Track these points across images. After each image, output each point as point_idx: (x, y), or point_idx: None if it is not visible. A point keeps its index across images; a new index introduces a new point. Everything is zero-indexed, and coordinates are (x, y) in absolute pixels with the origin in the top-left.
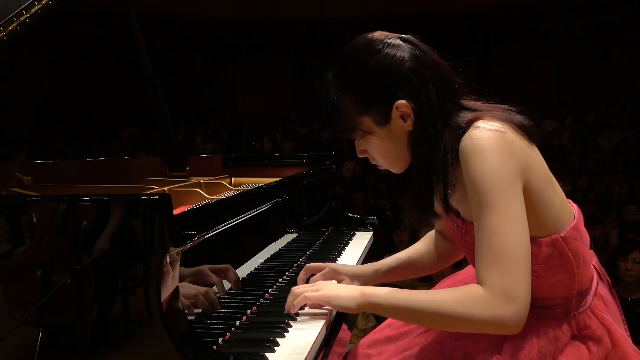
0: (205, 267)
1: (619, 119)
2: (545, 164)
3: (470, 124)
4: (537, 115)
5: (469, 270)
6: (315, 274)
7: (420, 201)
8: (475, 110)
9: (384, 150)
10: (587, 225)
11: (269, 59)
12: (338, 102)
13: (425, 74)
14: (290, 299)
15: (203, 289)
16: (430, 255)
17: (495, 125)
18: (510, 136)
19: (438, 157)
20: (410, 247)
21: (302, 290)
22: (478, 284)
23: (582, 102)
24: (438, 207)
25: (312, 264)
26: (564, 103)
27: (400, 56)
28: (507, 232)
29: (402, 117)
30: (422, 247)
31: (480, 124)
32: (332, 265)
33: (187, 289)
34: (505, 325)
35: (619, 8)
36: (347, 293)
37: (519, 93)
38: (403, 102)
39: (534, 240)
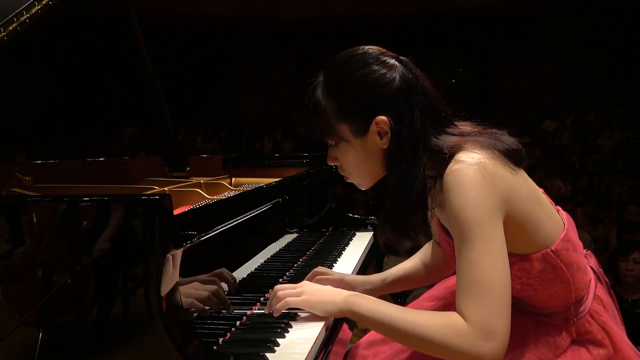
0: (200, 277)
1: (619, 119)
2: (531, 184)
3: (452, 151)
4: (537, 115)
5: None
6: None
7: (393, 220)
8: (462, 137)
9: (354, 161)
10: (587, 225)
11: (269, 59)
12: (321, 103)
13: (412, 98)
14: (273, 301)
15: (213, 288)
16: (431, 264)
17: (475, 157)
18: (490, 167)
19: (415, 179)
20: (412, 256)
21: (285, 294)
22: (457, 312)
23: (582, 102)
24: (434, 228)
25: (322, 269)
26: (564, 103)
27: (391, 75)
28: (487, 266)
29: (379, 134)
30: (423, 256)
31: (462, 156)
32: (340, 275)
33: (200, 290)
34: None
35: (618, 8)
36: (330, 297)
37: (519, 93)
38: (383, 118)
39: (524, 256)
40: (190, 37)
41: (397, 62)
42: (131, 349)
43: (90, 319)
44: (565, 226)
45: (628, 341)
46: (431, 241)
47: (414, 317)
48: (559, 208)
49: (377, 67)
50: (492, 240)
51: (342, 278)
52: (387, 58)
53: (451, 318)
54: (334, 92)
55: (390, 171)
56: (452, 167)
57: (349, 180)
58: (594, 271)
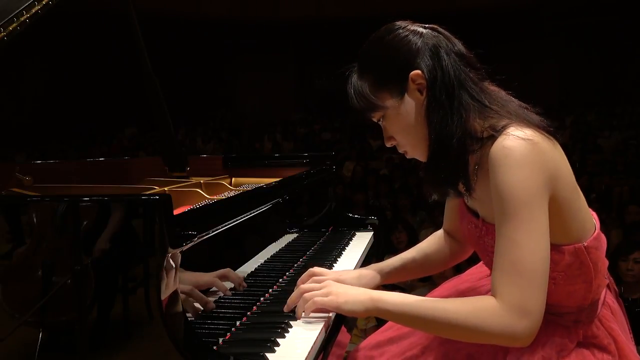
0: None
1: (619, 119)
2: (571, 171)
3: (496, 115)
4: None
5: (472, 272)
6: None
7: (434, 170)
8: (495, 99)
9: (403, 127)
10: None
11: (269, 59)
12: (358, 83)
13: (441, 50)
14: (300, 302)
15: (187, 288)
16: (434, 255)
17: (527, 133)
18: (541, 145)
19: (454, 127)
20: (414, 247)
21: (311, 295)
22: (492, 293)
23: (582, 102)
24: (451, 214)
25: (318, 269)
26: (564, 103)
27: (417, 36)
28: (529, 246)
29: (419, 90)
30: (426, 246)
31: (512, 130)
32: (335, 274)
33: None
34: (516, 339)
35: (619, 8)
36: (356, 297)
37: (519, 93)
38: (417, 72)
39: (557, 247)
40: (190, 37)
41: (423, 29)
42: (131, 349)
43: (90, 319)
44: (597, 225)
45: (634, 350)
46: (436, 232)
47: (444, 304)
48: (590, 209)
49: (401, 31)
50: (536, 221)
51: (337, 277)
52: (410, 25)
53: (483, 301)
54: (367, 65)
55: (429, 121)
56: (502, 141)
57: (409, 156)
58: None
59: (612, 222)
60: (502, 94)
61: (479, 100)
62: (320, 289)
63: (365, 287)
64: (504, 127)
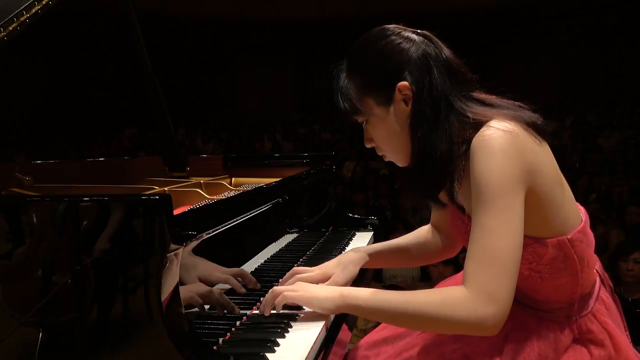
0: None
1: (619, 119)
2: (556, 165)
3: (480, 120)
4: None
5: None
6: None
7: (415, 181)
8: (485, 104)
9: (386, 135)
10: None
11: (269, 59)
12: (345, 83)
13: (431, 62)
14: (269, 297)
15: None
16: (421, 247)
17: (508, 126)
18: (521, 138)
19: (438, 141)
20: (402, 236)
21: (282, 289)
22: (463, 281)
23: (582, 102)
24: (443, 196)
25: (300, 268)
26: (564, 103)
27: (408, 44)
28: (503, 234)
29: (405, 101)
30: (413, 237)
31: (493, 123)
32: (320, 270)
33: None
34: (481, 326)
35: (619, 8)
36: (325, 294)
37: (519, 93)
38: (405, 83)
39: (540, 240)
40: (190, 37)
41: (414, 35)
42: (131, 349)
43: (90, 319)
44: (584, 219)
45: (630, 344)
46: (424, 226)
47: (413, 297)
48: (578, 204)
49: (394, 38)
50: (510, 210)
51: (323, 273)
52: (402, 31)
53: (451, 290)
54: (355, 68)
55: (413, 132)
56: (483, 132)
57: (387, 159)
58: (598, 274)
59: (612, 222)
60: (492, 98)
61: (466, 115)
62: (291, 286)
63: (351, 273)
64: (483, 119)
